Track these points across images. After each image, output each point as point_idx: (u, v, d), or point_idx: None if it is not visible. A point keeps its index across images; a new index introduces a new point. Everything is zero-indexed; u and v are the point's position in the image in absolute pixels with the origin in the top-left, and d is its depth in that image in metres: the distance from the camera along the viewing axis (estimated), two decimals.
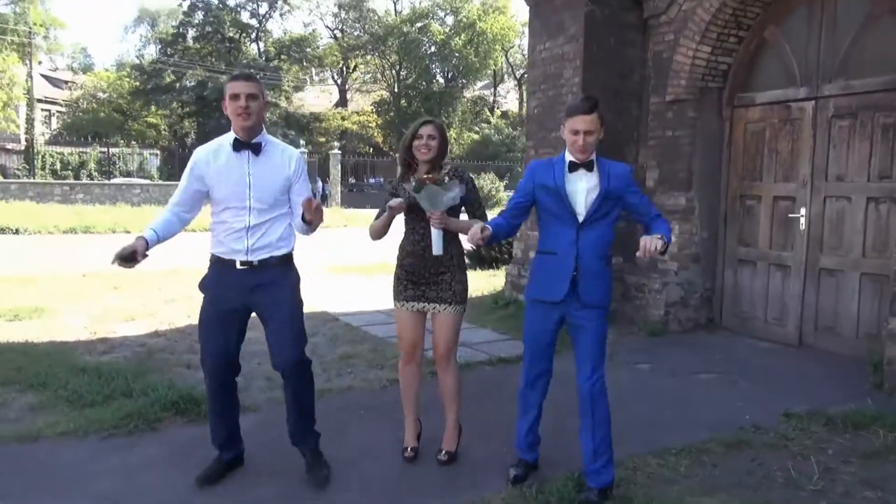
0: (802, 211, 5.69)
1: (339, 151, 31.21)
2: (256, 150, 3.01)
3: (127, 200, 23.70)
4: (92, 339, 5.60)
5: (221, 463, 3.21)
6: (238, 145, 3.00)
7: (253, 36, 42.48)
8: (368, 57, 45.81)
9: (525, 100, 7.54)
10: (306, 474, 3.18)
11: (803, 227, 5.69)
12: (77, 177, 30.57)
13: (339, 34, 46.47)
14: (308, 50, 42.83)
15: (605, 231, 2.99)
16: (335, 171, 29.44)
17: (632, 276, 6.55)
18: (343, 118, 42.90)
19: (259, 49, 42.78)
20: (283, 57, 42.02)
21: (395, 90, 44.60)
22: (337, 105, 46.50)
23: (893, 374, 4.48)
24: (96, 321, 6.25)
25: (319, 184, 29.29)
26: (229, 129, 3.07)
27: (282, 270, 3.10)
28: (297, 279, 3.20)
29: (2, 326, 5.93)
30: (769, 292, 6.00)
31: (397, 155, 3.43)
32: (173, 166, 32.43)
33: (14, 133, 33.99)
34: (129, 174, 31.80)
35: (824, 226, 5.57)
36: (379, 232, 3.31)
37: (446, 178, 3.14)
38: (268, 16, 42.82)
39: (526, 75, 14.11)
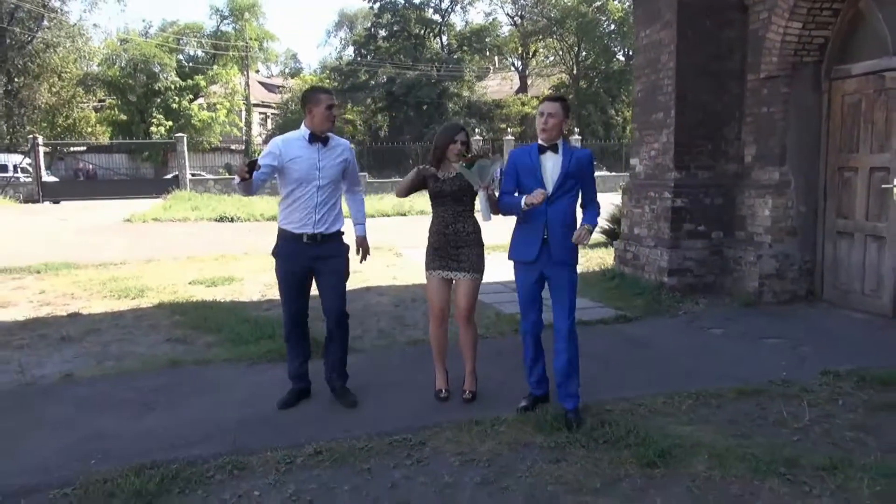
0: (895, 181, 5.66)
1: (512, 138, 32.25)
2: (326, 142, 4.00)
3: None
4: (260, 301, 7.17)
5: (294, 392, 4.18)
6: (313, 139, 3.97)
7: (436, 30, 44.71)
8: (548, 41, 46.20)
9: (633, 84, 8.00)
10: (337, 400, 4.08)
11: None
12: None
13: (518, 21, 47.36)
14: (487, 39, 44.23)
15: (570, 202, 3.68)
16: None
17: (729, 250, 6.81)
18: (523, 103, 43.81)
19: (442, 42, 44.98)
20: (464, 48, 43.84)
21: (574, 72, 44.60)
22: (518, 91, 47.54)
23: None
24: (268, 288, 7.85)
25: (498, 169, 30.50)
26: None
27: (338, 244, 4.03)
28: (348, 250, 4.09)
29: (202, 290, 7.74)
30: (866, 264, 6.00)
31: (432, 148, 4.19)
32: (368, 158, 35.27)
33: (237, 136, 39.37)
34: None
35: None
36: (406, 189, 4.04)
37: (490, 154, 3.95)
38: (450, 10, 44.85)
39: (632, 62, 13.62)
